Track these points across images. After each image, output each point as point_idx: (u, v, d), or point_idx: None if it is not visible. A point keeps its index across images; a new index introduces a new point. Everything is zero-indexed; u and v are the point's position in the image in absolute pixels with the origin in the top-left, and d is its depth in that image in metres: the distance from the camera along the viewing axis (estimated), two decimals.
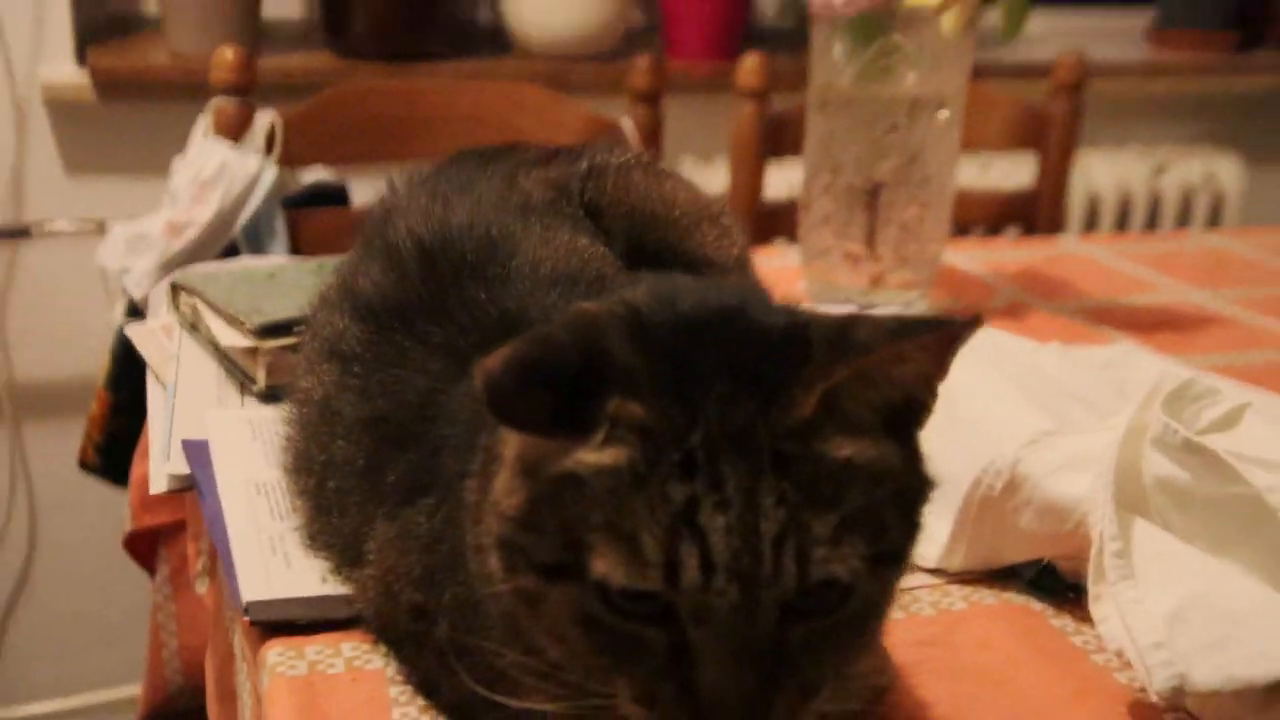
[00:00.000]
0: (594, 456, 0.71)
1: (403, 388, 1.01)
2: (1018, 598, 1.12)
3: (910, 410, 0.78)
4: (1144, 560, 0.97)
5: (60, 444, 2.07)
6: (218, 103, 1.77)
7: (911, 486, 0.79)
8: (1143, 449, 1.01)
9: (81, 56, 2.14)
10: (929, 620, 1.09)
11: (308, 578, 1.05)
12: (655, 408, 0.71)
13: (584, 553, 0.71)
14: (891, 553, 0.76)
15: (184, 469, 1.21)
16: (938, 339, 0.74)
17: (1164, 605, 0.93)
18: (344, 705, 0.92)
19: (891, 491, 0.75)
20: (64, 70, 2.13)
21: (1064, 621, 1.09)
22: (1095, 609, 0.98)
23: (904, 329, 0.74)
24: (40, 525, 2.49)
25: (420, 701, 0.94)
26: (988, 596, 1.12)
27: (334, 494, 1.04)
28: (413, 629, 0.93)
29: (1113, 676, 1.00)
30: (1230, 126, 3.33)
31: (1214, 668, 0.89)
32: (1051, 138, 2.54)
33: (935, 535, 1.14)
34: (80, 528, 2.52)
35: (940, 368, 0.76)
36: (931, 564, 1.14)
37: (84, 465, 1.91)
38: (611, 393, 0.71)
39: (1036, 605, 1.11)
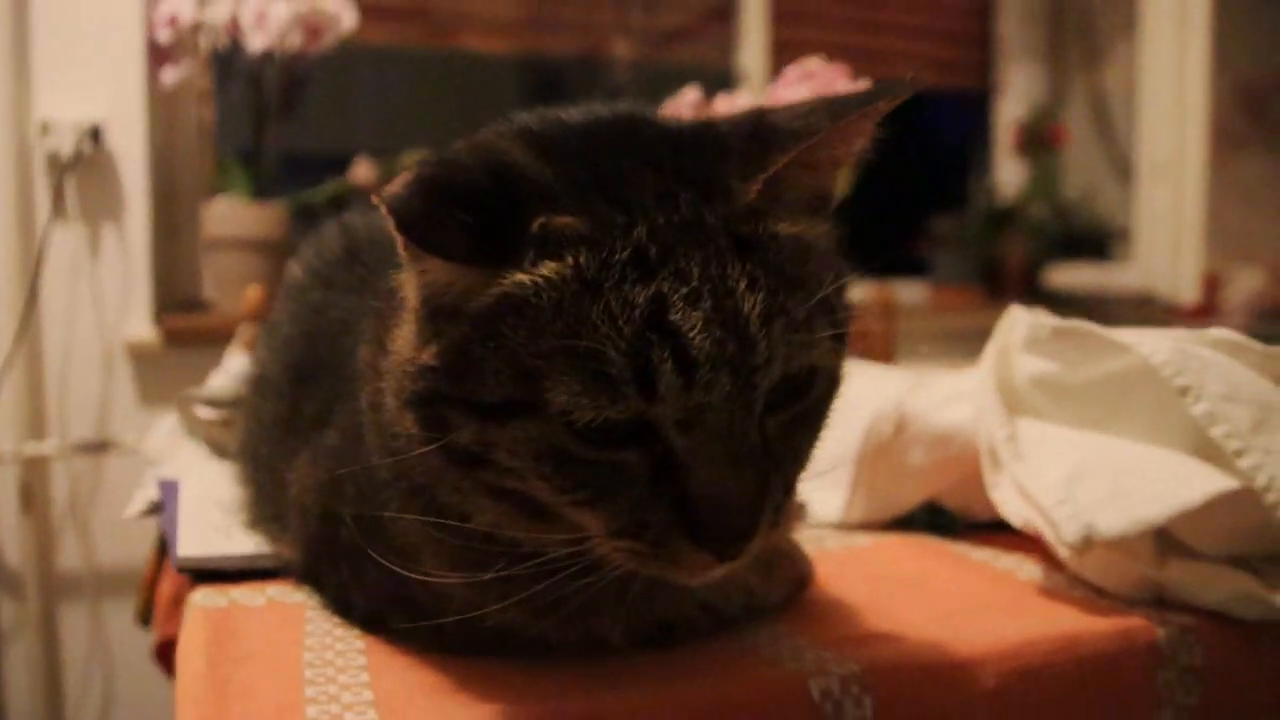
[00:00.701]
0: (530, 275, 0.57)
1: (317, 329, 0.88)
2: (916, 535, 0.99)
3: (825, 197, 0.66)
4: (1032, 445, 0.86)
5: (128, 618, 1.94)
6: (243, 327, 1.79)
7: (842, 268, 0.66)
8: (1013, 359, 0.92)
9: (156, 319, 2.30)
10: (839, 552, 0.94)
11: (243, 545, 0.90)
12: (586, 213, 0.58)
13: (538, 384, 0.56)
14: (842, 329, 0.64)
15: (156, 496, 1.13)
16: (877, 108, 0.61)
17: (1059, 472, 0.82)
18: (257, 628, 0.76)
19: (833, 272, 0.63)
20: (143, 329, 2.28)
21: (963, 547, 0.95)
22: (995, 494, 0.86)
23: (840, 108, 0.61)
24: (115, 688, 2.30)
25: (335, 620, 0.79)
26: (890, 536, 1.00)
27: (265, 460, 0.90)
28: (323, 536, 0.76)
29: (1016, 576, 0.88)
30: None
31: (1118, 513, 0.77)
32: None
33: (834, 496, 1.04)
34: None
35: (870, 136, 0.63)
36: (834, 520, 1.03)
37: (141, 620, 1.76)
38: (531, 210, 0.57)
39: (935, 540, 0.98)
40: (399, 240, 0.59)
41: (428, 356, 0.60)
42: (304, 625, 0.76)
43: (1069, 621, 0.78)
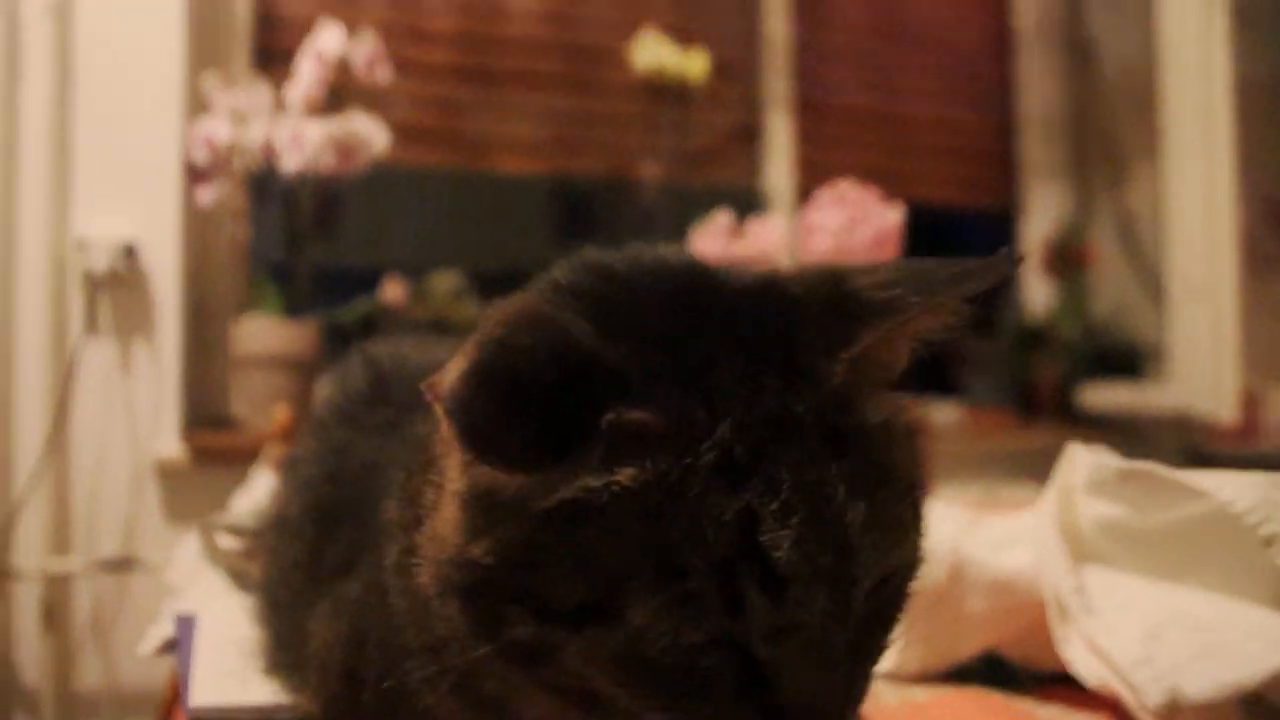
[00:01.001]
0: (601, 480, 0.49)
1: (341, 472, 0.84)
2: (976, 689, 0.92)
3: (896, 369, 0.58)
4: (1103, 596, 0.81)
5: None
6: (270, 446, 1.78)
7: (921, 433, 0.59)
8: (1077, 502, 0.87)
9: (185, 436, 2.27)
10: (897, 709, 0.88)
11: (260, 693, 0.84)
12: (662, 405, 0.50)
13: (617, 594, 0.50)
14: (923, 508, 0.57)
15: (171, 633, 1.04)
16: (970, 286, 0.54)
17: (1135, 629, 0.76)
18: None
19: (914, 451, 0.57)
20: (171, 446, 2.25)
21: (1027, 703, 0.89)
22: (1065, 650, 0.79)
23: (932, 283, 0.54)
24: None
25: None
26: (947, 691, 0.93)
27: (285, 605, 0.85)
28: (343, 695, 0.70)
29: None
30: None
31: (1204, 676, 0.71)
32: None
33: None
34: None
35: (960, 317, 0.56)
36: (888, 670, 0.96)
37: None
38: (600, 401, 0.49)
39: (996, 694, 0.92)
40: (450, 436, 0.51)
41: (479, 551, 0.53)
42: None
43: None
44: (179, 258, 2.29)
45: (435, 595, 0.56)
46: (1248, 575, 0.76)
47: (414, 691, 0.62)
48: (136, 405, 2.25)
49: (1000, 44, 3.20)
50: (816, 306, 0.56)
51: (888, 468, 0.53)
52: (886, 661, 0.92)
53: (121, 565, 2.18)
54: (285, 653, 0.83)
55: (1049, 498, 0.87)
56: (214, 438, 2.29)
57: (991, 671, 0.93)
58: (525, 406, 0.48)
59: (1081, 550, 0.84)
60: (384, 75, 2.30)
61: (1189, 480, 0.78)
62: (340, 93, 2.32)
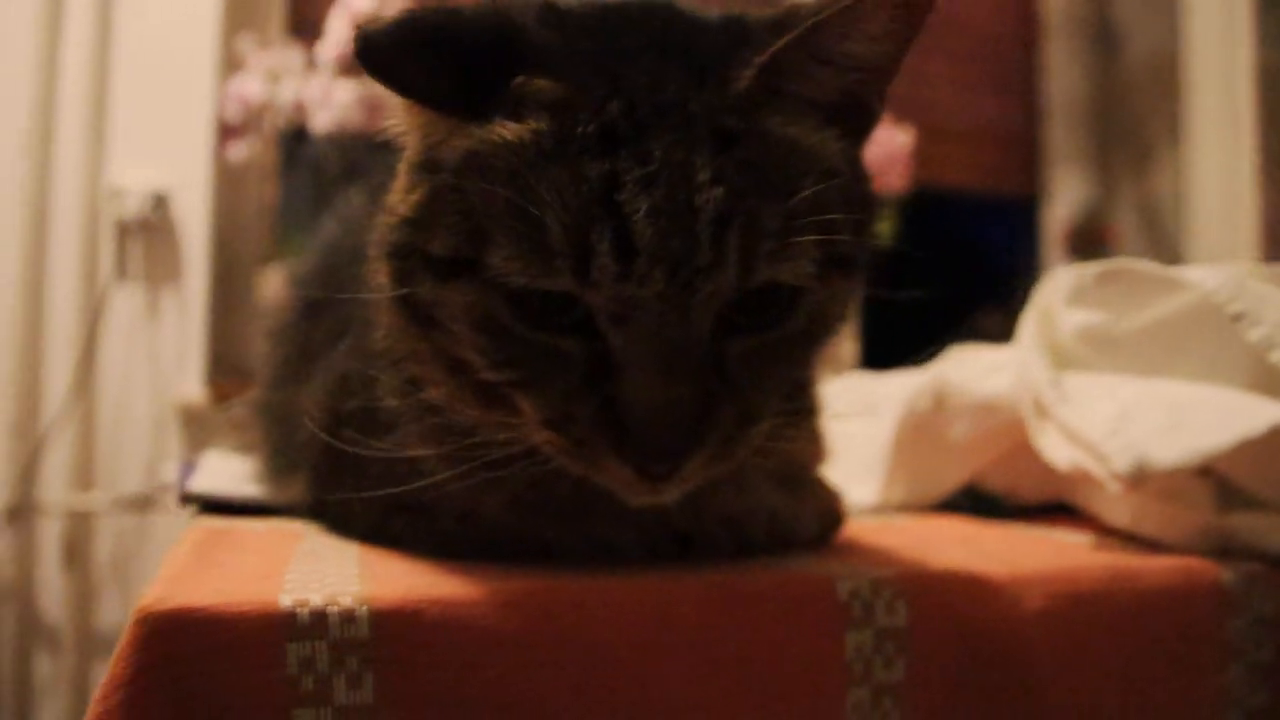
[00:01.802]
0: (496, 133, 0.54)
1: (332, 262, 0.85)
2: (956, 518, 0.91)
3: (856, 111, 0.60)
4: (1080, 393, 0.80)
5: None
6: None
7: (859, 194, 0.60)
8: (1056, 315, 0.85)
9: (208, 382, 2.31)
10: (876, 525, 0.85)
11: (251, 491, 0.85)
12: (567, 80, 0.54)
13: (482, 244, 0.53)
14: (842, 258, 0.57)
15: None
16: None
17: (1108, 410, 0.75)
18: (253, 539, 0.70)
19: (840, 191, 0.56)
20: (194, 391, 2.28)
21: (1009, 529, 0.89)
22: (1040, 440, 0.79)
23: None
24: None
25: (327, 538, 0.73)
26: (932, 518, 0.93)
27: (276, 407, 0.86)
28: (328, 446, 0.72)
29: (1069, 541, 0.81)
30: None
31: (1171, 446, 0.70)
32: None
33: (872, 473, 0.97)
34: None
35: (899, 37, 0.56)
36: (872, 502, 0.96)
37: None
38: (517, 69, 0.55)
39: (974, 521, 0.89)
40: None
41: (405, 208, 0.58)
42: (301, 538, 0.70)
43: (1124, 558, 0.70)
44: (208, 209, 2.33)
45: (376, 260, 0.60)
46: (1220, 359, 0.75)
47: (381, 403, 0.64)
48: (162, 350, 2.29)
49: (1026, 31, 3.20)
50: (760, 28, 0.58)
51: (778, 180, 0.54)
52: (869, 494, 0.93)
53: (142, 504, 2.20)
54: (277, 457, 0.85)
55: (1028, 318, 0.87)
56: (237, 385, 2.31)
57: (975, 504, 0.93)
58: (437, 50, 0.54)
59: (1062, 360, 0.84)
60: None
61: (1170, 273, 0.78)
62: None
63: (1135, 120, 3.20)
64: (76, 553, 2.20)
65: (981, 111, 3.16)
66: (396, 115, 0.60)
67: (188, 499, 0.81)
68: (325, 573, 0.58)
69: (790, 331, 0.57)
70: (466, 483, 0.59)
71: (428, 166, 0.57)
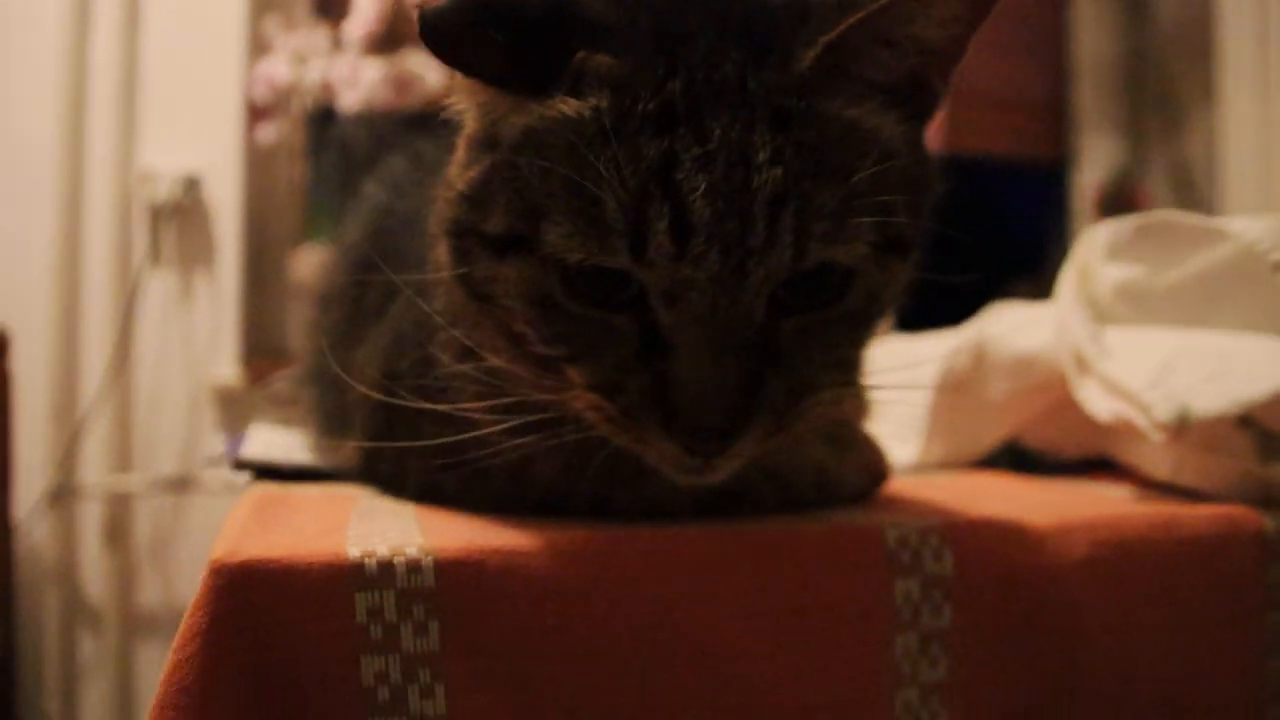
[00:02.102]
0: (557, 109, 0.55)
1: (383, 226, 0.86)
2: (995, 473, 0.92)
3: (919, 93, 0.60)
4: (1120, 348, 0.82)
5: None
6: None
7: (918, 176, 0.60)
8: (1095, 271, 0.87)
9: (243, 363, 2.33)
10: (917, 483, 0.87)
11: (300, 458, 0.88)
12: (627, 57, 0.55)
13: (538, 221, 0.54)
14: (898, 240, 0.58)
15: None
16: None
17: (1150, 362, 0.76)
18: (309, 502, 0.72)
19: (899, 173, 0.57)
20: (229, 372, 2.31)
21: (1050, 483, 0.90)
22: (1081, 395, 0.80)
23: None
24: None
25: (381, 500, 0.74)
26: (972, 474, 0.94)
27: (327, 373, 0.87)
28: (382, 404, 0.74)
29: (1111, 495, 0.82)
30: None
31: (1212, 395, 0.71)
32: None
33: (912, 432, 0.98)
34: None
35: (966, 21, 0.56)
36: (912, 461, 0.97)
37: None
38: (577, 46, 0.55)
39: (1013, 476, 0.91)
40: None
41: (462, 184, 0.59)
42: (356, 500, 0.72)
43: (1167, 507, 0.71)
44: (240, 191, 2.36)
45: (436, 235, 0.62)
46: (1261, 309, 0.76)
47: (436, 364, 0.65)
48: (196, 332, 2.32)
49: None
50: (806, 6, 0.58)
51: (835, 162, 0.54)
52: (909, 453, 0.94)
53: (180, 485, 2.23)
54: (330, 421, 0.86)
55: (1067, 273, 0.88)
56: (271, 365, 2.34)
57: (1015, 460, 0.94)
58: (498, 27, 0.54)
59: (1101, 315, 0.85)
60: None
61: (1209, 224, 0.79)
62: (397, 35, 2.38)
63: (1166, 82, 3.18)
64: (117, 534, 2.24)
65: (1010, 76, 3.14)
66: (457, 93, 0.61)
67: (241, 465, 0.83)
68: (386, 528, 0.60)
69: (844, 312, 0.58)
70: (520, 439, 0.61)
71: (487, 143, 0.58)
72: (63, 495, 2.19)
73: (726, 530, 0.61)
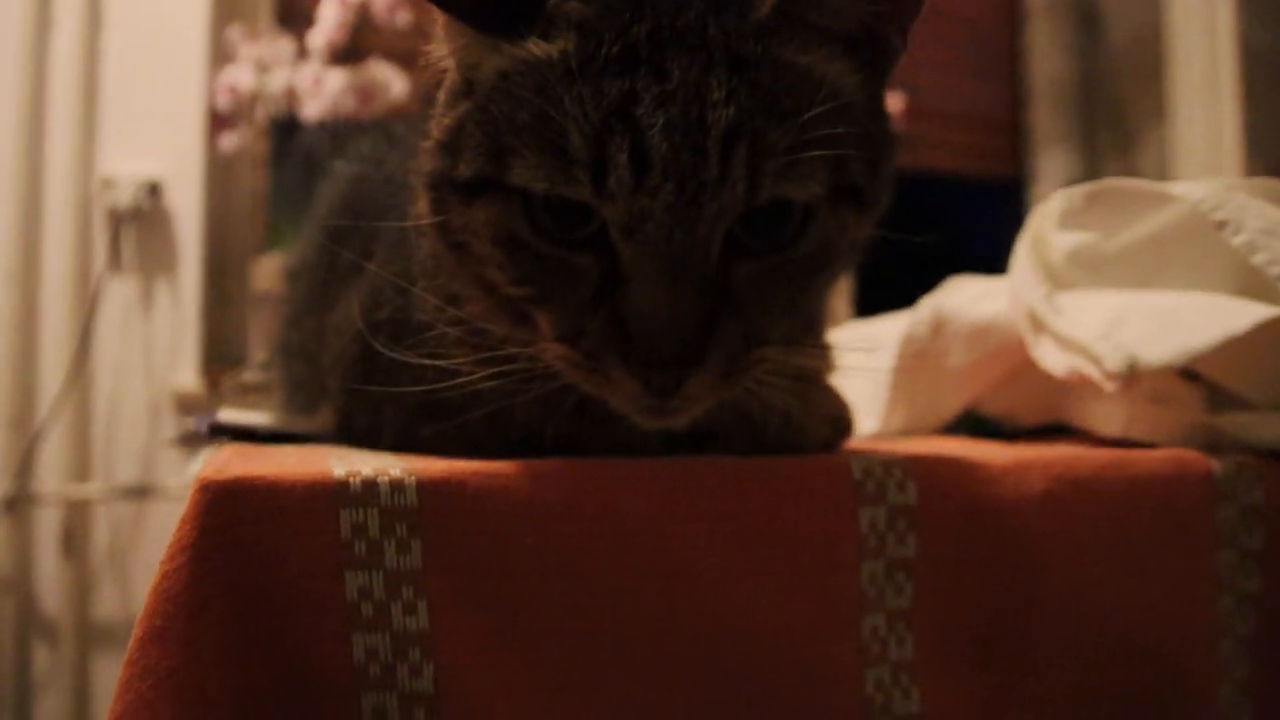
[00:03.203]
0: (529, 50, 0.58)
1: (358, 193, 0.88)
2: (955, 439, 0.96)
3: (877, 45, 0.63)
4: (1073, 305, 0.85)
5: None
6: None
7: (874, 130, 0.64)
8: (1048, 239, 0.90)
9: (204, 371, 2.34)
10: (880, 443, 0.91)
11: (273, 422, 0.89)
12: (597, 2, 0.58)
13: (506, 160, 0.57)
14: (853, 189, 0.61)
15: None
16: None
17: (1101, 317, 0.80)
18: (281, 453, 0.75)
19: (854, 125, 0.60)
20: (189, 380, 2.31)
21: (1008, 446, 0.93)
22: (1037, 353, 0.83)
23: None
24: None
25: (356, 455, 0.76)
26: (933, 440, 0.97)
27: (297, 344, 0.90)
28: (361, 355, 0.74)
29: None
30: None
31: (1160, 345, 0.75)
32: None
33: (873, 406, 1.01)
34: None
35: None
36: (873, 431, 1.00)
37: None
38: None
39: (971, 441, 0.95)
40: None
41: (438, 131, 0.62)
42: (334, 452, 0.74)
43: (1121, 452, 0.75)
44: (201, 199, 2.37)
45: (418, 190, 0.65)
46: (1207, 269, 0.80)
47: (414, 313, 0.68)
48: (157, 339, 2.32)
49: (1009, 13, 3.27)
50: None
51: (788, 104, 0.57)
52: (869, 425, 0.97)
53: (139, 493, 2.23)
54: (300, 393, 0.88)
55: (1021, 244, 0.91)
56: (232, 373, 2.35)
57: (974, 428, 0.97)
58: None
59: (1055, 282, 0.88)
60: (404, 19, 2.37)
61: (1157, 188, 0.83)
62: (360, 45, 2.40)
63: (1119, 101, 3.27)
64: (74, 543, 2.23)
65: (966, 95, 3.22)
66: (437, 41, 0.64)
67: (216, 429, 0.85)
68: (368, 459, 0.62)
69: (798, 255, 0.60)
70: (495, 384, 0.63)
71: (464, 91, 0.62)
72: (19, 504, 2.17)
73: (698, 460, 0.63)
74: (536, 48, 0.58)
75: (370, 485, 0.55)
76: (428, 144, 0.64)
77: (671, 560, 0.59)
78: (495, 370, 0.63)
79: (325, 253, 0.88)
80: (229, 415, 1.00)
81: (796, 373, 0.74)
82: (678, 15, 0.58)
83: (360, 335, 0.74)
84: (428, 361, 0.65)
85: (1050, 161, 3.26)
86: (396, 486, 0.56)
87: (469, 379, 0.63)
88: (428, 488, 0.56)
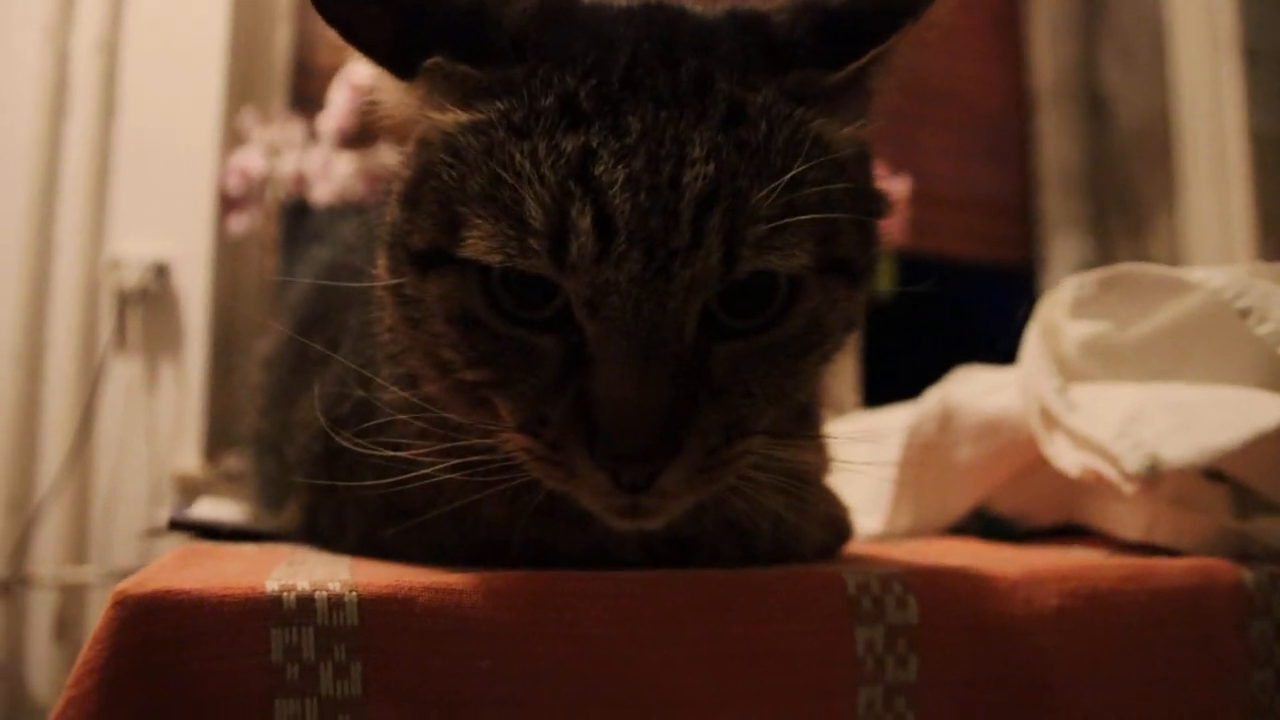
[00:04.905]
0: (453, 116, 0.53)
1: (324, 274, 0.84)
2: (965, 540, 0.88)
3: (857, 92, 0.58)
4: (1087, 399, 0.79)
5: None
6: None
7: (865, 191, 0.58)
8: (1060, 328, 0.84)
9: (207, 456, 2.27)
10: (883, 547, 0.84)
11: (239, 518, 0.83)
12: (502, 64, 0.53)
13: (459, 230, 0.51)
14: (843, 262, 0.54)
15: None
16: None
17: (1117, 413, 0.73)
18: (233, 555, 0.68)
19: (845, 188, 0.54)
20: (191, 463, 2.26)
21: (1021, 548, 0.86)
22: (1050, 450, 0.77)
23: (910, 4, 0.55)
24: None
25: (318, 553, 0.70)
26: (940, 541, 0.90)
27: (267, 437, 0.84)
28: (324, 452, 0.69)
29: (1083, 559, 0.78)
30: None
31: (1182, 444, 0.68)
32: None
33: (877, 504, 0.94)
34: None
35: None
36: (877, 531, 0.93)
37: None
38: (434, 45, 0.53)
39: (983, 543, 0.87)
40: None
41: (399, 183, 0.58)
42: (291, 552, 0.68)
43: (1142, 561, 0.68)
44: (209, 281, 2.34)
45: (380, 247, 0.59)
46: (1229, 359, 0.74)
47: (377, 401, 0.62)
48: (160, 421, 2.27)
49: (1019, 101, 3.25)
50: (767, 32, 0.57)
51: (776, 162, 0.51)
52: (873, 524, 0.91)
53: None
54: (270, 486, 0.83)
55: (1031, 332, 0.85)
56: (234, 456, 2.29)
57: (985, 528, 0.91)
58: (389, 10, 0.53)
59: (1068, 373, 0.82)
60: None
61: (1173, 274, 0.77)
62: (369, 130, 2.39)
63: (1129, 186, 3.23)
64: (68, 626, 2.15)
65: (976, 181, 3.18)
66: (378, 89, 0.59)
67: (175, 525, 0.79)
68: (314, 569, 0.56)
69: (784, 337, 0.54)
70: (461, 478, 0.57)
71: (422, 142, 0.57)
72: (13, 587, 2.10)
73: (675, 574, 0.57)
74: (461, 114, 0.53)
75: (306, 602, 0.49)
76: (391, 196, 0.59)
77: (644, 687, 0.52)
78: (458, 462, 0.56)
79: (294, 342, 0.83)
80: (203, 508, 0.95)
81: (788, 469, 0.68)
82: (654, 63, 0.53)
83: (323, 432, 0.68)
84: (390, 453, 0.59)
85: (1061, 246, 3.22)
86: (335, 603, 0.49)
87: (431, 470, 0.57)
88: (370, 604, 0.50)
